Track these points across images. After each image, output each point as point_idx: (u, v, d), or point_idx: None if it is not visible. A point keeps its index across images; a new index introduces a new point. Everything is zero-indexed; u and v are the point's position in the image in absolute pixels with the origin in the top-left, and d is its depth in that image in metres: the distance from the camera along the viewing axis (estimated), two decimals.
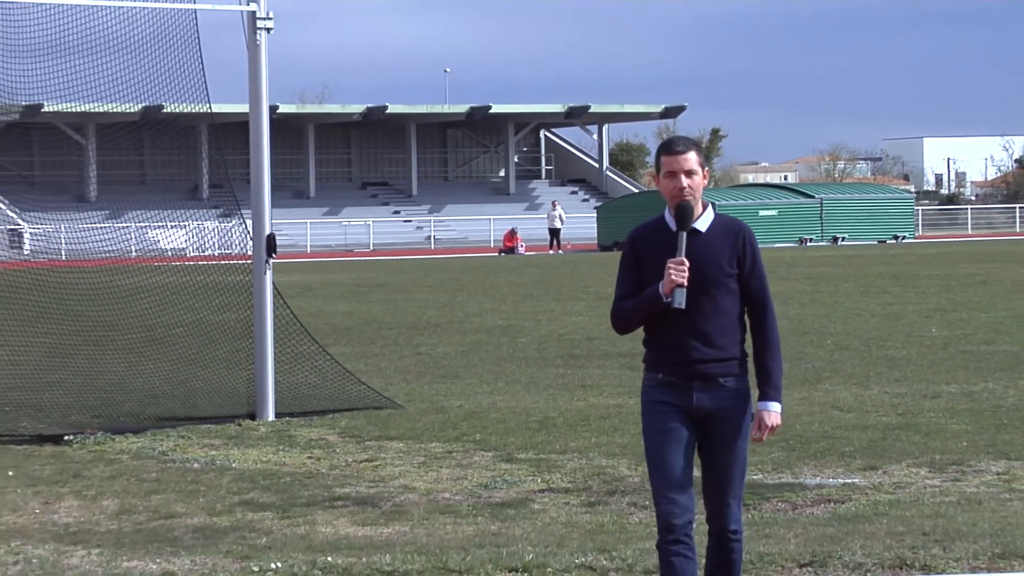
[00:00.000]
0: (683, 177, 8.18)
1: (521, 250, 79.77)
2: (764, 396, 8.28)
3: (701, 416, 8.19)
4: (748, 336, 8.41)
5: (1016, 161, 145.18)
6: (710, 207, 8.32)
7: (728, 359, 8.18)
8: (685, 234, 8.15)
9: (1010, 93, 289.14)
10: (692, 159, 8.22)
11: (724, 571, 8.32)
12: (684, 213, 8.15)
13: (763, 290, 8.32)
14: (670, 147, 8.26)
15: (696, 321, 8.13)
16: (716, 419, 8.19)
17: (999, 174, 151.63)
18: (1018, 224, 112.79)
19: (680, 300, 8.03)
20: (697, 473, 8.34)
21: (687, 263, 8.06)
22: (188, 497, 13.65)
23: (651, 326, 8.25)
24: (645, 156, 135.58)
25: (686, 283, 8.03)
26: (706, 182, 8.31)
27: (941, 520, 11.85)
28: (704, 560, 8.38)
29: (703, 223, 8.25)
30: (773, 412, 8.24)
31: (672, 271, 8.04)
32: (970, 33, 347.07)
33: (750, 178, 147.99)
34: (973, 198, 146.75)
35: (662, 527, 8.17)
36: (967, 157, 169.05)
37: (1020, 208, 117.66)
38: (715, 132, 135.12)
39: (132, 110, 21.55)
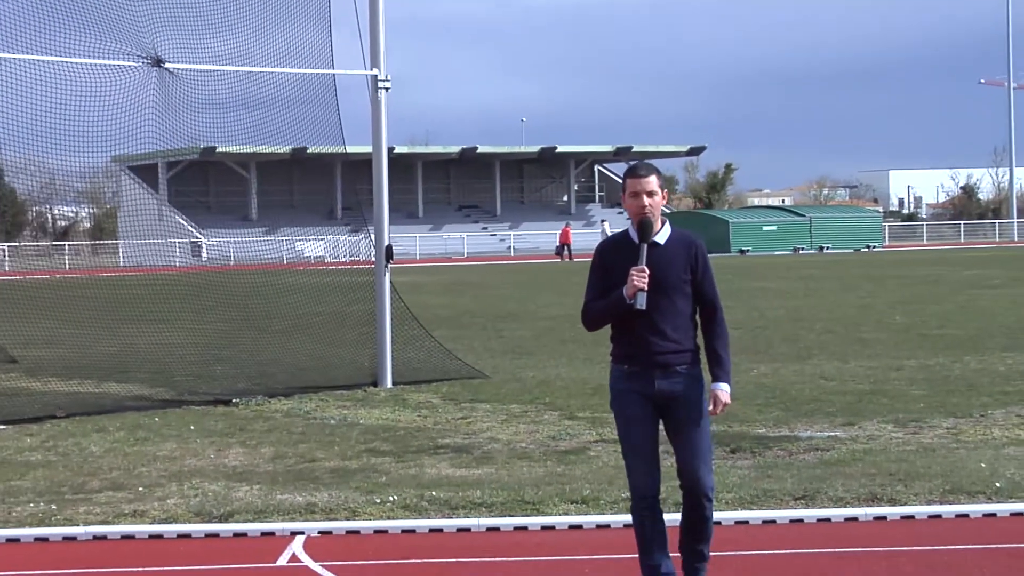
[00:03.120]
0: (645, 197, 7.53)
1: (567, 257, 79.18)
2: (716, 378, 7.62)
3: (663, 400, 7.54)
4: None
5: (961, 188, 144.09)
6: (668, 223, 7.65)
7: (683, 351, 7.55)
8: (646, 246, 7.49)
9: (957, 136, 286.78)
10: (653, 182, 7.58)
11: (697, 529, 7.72)
12: (645, 227, 7.50)
13: (714, 293, 7.64)
14: (635, 171, 7.65)
15: (655, 320, 7.49)
16: (676, 402, 7.53)
17: (948, 198, 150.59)
18: (962, 236, 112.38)
19: (641, 302, 7.46)
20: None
21: (647, 271, 7.43)
22: (326, 446, 13.67)
23: (617, 324, 7.64)
24: (675, 185, 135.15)
25: (646, 287, 7.42)
26: (665, 202, 7.70)
27: (904, 464, 11.75)
28: (680, 525, 7.80)
29: (662, 236, 7.58)
30: (724, 391, 7.63)
31: (635, 277, 7.40)
32: (925, 88, 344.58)
33: (755, 201, 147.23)
34: (927, 217, 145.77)
35: (634, 496, 7.65)
36: (923, 185, 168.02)
37: (964, 224, 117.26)
38: (728, 166, 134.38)
39: (284, 150, 21.65)
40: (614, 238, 7.74)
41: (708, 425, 7.63)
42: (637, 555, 7.74)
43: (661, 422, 7.65)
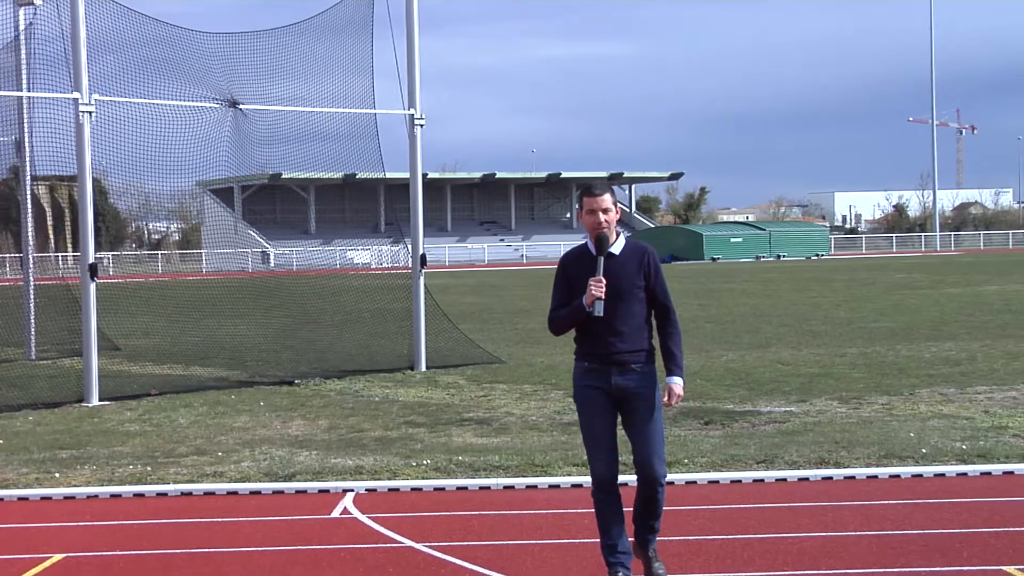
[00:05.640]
0: (600, 214, 6.83)
1: None
2: (671, 372, 6.96)
3: (619, 394, 6.87)
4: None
5: (894, 207, 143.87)
6: (622, 235, 7.03)
7: (637, 350, 6.89)
8: (602, 258, 6.83)
9: (890, 164, 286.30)
10: (607, 199, 6.86)
11: (649, 509, 7.08)
12: (601, 241, 6.84)
13: (665, 296, 6.99)
14: (590, 190, 6.90)
15: (613, 323, 6.84)
16: (632, 396, 6.86)
17: (883, 215, 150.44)
18: (894, 247, 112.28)
19: (599, 310, 6.83)
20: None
21: (604, 281, 6.76)
22: (372, 419, 13.68)
23: (580, 326, 7.01)
24: (658, 204, 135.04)
25: (603, 296, 6.76)
26: (618, 216, 7.07)
27: (846, 434, 11.73)
28: (633, 502, 7.13)
29: (617, 248, 6.90)
30: (678, 384, 7.00)
31: (592, 287, 6.74)
32: (864, 125, 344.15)
33: (724, 217, 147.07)
34: (866, 230, 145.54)
35: (594, 481, 6.96)
36: (862, 204, 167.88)
37: (896, 237, 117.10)
38: (702, 189, 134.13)
39: (337, 176, 21.62)
40: (574, 252, 7.12)
41: (661, 418, 7.03)
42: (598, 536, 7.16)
43: (619, 415, 7.05)
